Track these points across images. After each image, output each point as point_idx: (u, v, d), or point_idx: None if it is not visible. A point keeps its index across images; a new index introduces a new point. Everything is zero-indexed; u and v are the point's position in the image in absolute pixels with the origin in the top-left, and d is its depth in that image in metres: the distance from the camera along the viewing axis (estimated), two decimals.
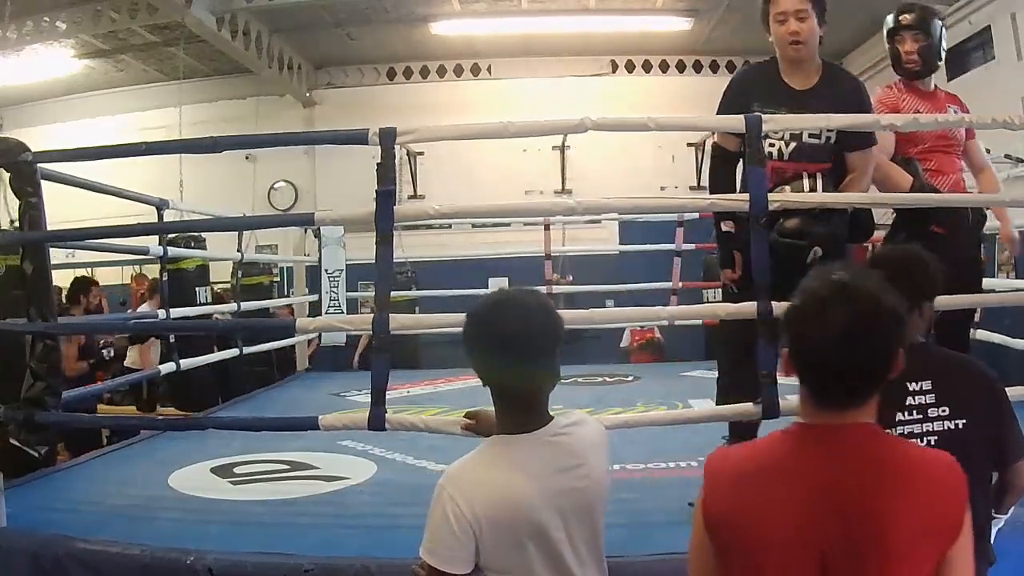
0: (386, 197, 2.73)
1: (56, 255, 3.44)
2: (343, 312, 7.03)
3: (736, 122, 2.71)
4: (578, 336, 6.92)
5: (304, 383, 6.83)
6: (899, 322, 1.26)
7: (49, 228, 3.18)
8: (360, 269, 7.06)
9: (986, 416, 1.76)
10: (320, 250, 7.24)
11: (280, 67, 9.39)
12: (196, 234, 6.18)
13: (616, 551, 2.01)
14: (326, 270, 7.17)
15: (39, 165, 3.10)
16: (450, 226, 9.18)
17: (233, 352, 5.67)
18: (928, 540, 1.18)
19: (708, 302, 6.10)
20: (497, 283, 6.64)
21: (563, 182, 9.88)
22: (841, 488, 1.20)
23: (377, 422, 2.68)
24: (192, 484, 3.36)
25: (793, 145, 2.81)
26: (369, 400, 2.72)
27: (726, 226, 2.94)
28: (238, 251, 6.20)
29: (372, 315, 2.79)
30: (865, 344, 1.21)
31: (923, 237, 2.57)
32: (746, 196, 2.66)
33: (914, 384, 1.75)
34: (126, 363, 5.66)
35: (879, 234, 3.21)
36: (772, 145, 2.79)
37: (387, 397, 2.71)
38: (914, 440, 1.69)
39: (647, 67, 10.27)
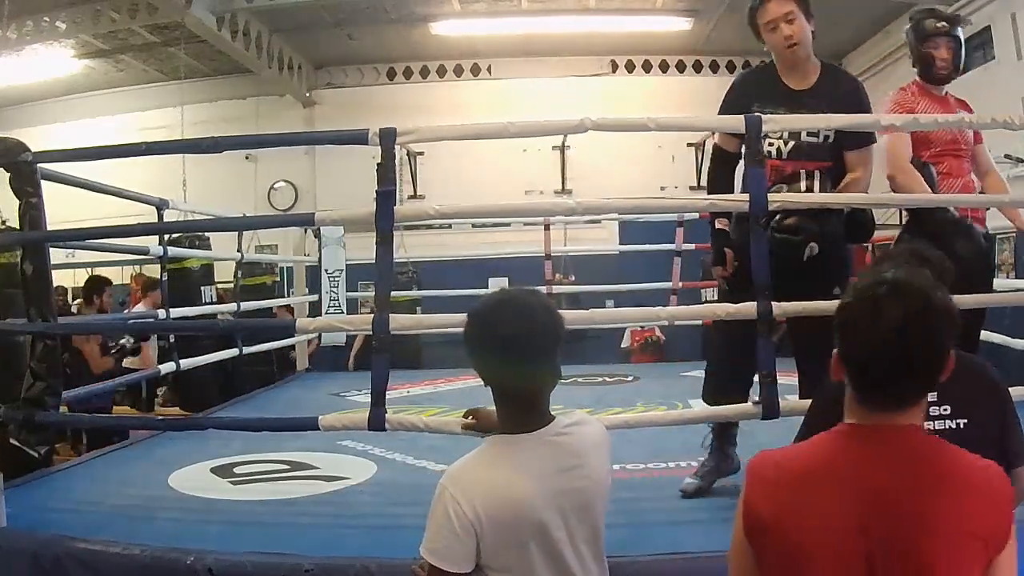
0: (386, 197, 2.73)
1: (56, 255, 3.44)
2: (343, 312, 7.04)
3: (736, 122, 2.73)
4: (580, 336, 6.93)
5: (304, 383, 6.83)
6: (951, 319, 1.24)
7: (49, 228, 3.18)
8: (360, 269, 7.06)
9: (988, 417, 1.75)
10: (320, 250, 7.24)
11: (280, 67, 9.39)
12: (200, 234, 6.19)
13: (616, 551, 2.01)
14: (326, 270, 7.17)
15: (39, 165, 3.10)
16: (450, 226, 9.17)
17: (233, 352, 5.67)
18: (976, 546, 1.17)
19: (707, 302, 6.10)
20: (497, 283, 6.64)
21: (563, 182, 9.88)
22: (890, 490, 1.19)
23: (377, 422, 2.68)
24: (192, 484, 3.36)
25: (792, 144, 2.84)
26: (369, 400, 2.73)
27: (720, 224, 2.97)
28: (238, 251, 6.20)
29: (372, 315, 2.79)
30: (918, 340, 1.20)
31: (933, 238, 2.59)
32: (746, 196, 2.67)
33: None
34: (125, 363, 5.66)
35: (880, 234, 3.23)
36: (771, 144, 2.83)
37: (387, 397, 2.72)
38: None
39: (647, 67, 10.27)
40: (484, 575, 1.50)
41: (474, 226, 9.26)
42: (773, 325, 2.66)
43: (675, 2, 8.64)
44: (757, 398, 2.70)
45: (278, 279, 8.02)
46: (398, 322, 2.77)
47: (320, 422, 2.78)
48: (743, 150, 2.96)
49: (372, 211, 2.72)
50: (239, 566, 2.39)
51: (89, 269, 7.50)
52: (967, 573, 1.17)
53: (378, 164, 2.77)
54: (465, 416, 2.20)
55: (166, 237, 5.03)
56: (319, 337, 7.38)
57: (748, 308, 2.65)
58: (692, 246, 6.79)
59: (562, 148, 9.66)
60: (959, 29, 3.19)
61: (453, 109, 9.02)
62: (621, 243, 8.45)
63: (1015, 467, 1.77)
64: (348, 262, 7.14)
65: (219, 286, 6.97)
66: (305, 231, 8.11)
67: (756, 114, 2.68)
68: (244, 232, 6.37)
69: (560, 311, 1.65)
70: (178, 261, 5.81)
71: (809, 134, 2.83)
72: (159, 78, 10.10)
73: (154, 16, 8.00)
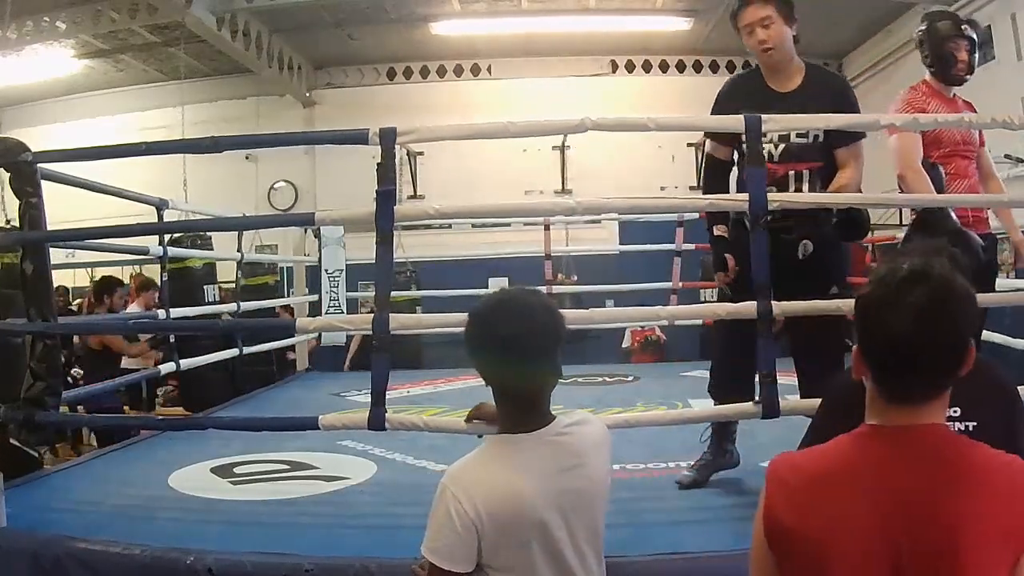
0: (386, 197, 2.73)
1: (56, 255, 3.44)
2: (343, 312, 7.04)
3: (735, 122, 2.72)
4: (581, 336, 6.93)
5: (304, 383, 6.82)
6: (972, 304, 1.22)
7: (49, 228, 3.18)
8: (360, 269, 7.06)
9: (997, 419, 1.74)
10: (320, 250, 7.24)
11: (280, 67, 9.39)
12: (203, 234, 6.19)
13: (616, 551, 2.01)
14: (326, 270, 7.17)
15: (39, 165, 3.10)
16: (450, 226, 9.18)
17: (233, 352, 5.67)
18: (1004, 545, 1.15)
19: (706, 302, 6.10)
20: (497, 283, 6.64)
21: (563, 182, 9.89)
22: (915, 491, 1.17)
23: (377, 422, 2.68)
24: (192, 484, 3.36)
25: (782, 147, 2.86)
26: (369, 400, 2.73)
27: (718, 230, 2.98)
28: (238, 251, 6.21)
29: (372, 315, 2.79)
30: (939, 326, 1.18)
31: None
32: (746, 196, 2.67)
33: None
34: (124, 364, 5.67)
35: (880, 234, 3.24)
36: (762, 148, 2.82)
37: (387, 397, 2.71)
38: None
39: (647, 67, 10.27)
40: (485, 575, 1.50)
41: (474, 226, 9.26)
42: (772, 325, 2.67)
43: (675, 2, 8.64)
44: (757, 398, 2.70)
45: (279, 279, 8.03)
46: (398, 322, 2.77)
47: (320, 422, 2.77)
48: (735, 157, 2.98)
49: (372, 211, 2.72)
50: (239, 566, 2.39)
51: (89, 269, 7.51)
52: (994, 572, 1.15)
53: (378, 164, 2.76)
54: (468, 414, 2.21)
55: (166, 237, 5.03)
56: (319, 337, 7.38)
57: (748, 308, 2.65)
58: (692, 246, 6.79)
59: (562, 148, 9.66)
60: (975, 33, 3.24)
61: (453, 109, 9.03)
62: (621, 243, 8.44)
63: None
64: (348, 262, 7.13)
65: (222, 286, 6.97)
66: (305, 231, 8.12)
67: (756, 114, 2.68)
68: (245, 232, 6.37)
69: (560, 311, 1.65)
70: (180, 261, 5.82)
71: (798, 135, 2.84)
72: (159, 78, 10.11)
73: (154, 16, 8.00)
